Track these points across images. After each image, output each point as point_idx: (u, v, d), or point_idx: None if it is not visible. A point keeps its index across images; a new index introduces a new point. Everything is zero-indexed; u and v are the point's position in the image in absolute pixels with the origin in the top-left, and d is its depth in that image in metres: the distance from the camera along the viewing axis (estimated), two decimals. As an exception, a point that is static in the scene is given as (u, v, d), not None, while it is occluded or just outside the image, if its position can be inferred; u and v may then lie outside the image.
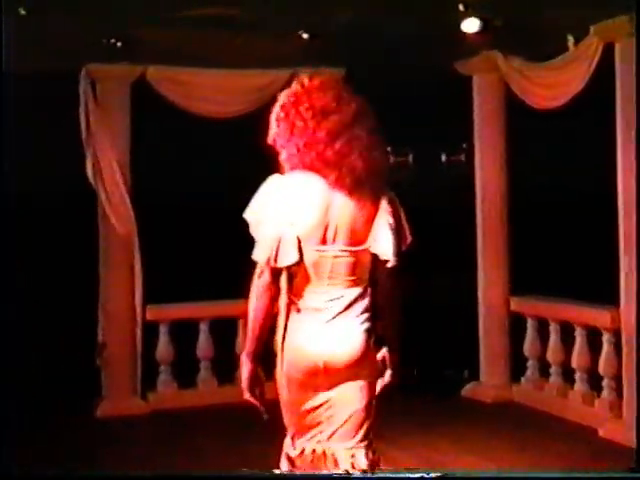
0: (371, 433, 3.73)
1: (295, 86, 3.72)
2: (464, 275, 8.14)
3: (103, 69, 7.58)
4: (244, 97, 7.93)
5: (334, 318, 3.60)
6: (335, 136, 3.57)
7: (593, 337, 7.04)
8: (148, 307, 7.69)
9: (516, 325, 7.83)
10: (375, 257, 3.67)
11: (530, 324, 7.72)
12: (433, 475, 3.67)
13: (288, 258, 3.56)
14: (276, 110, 3.69)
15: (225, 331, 7.69)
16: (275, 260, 3.55)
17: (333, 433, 3.66)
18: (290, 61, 8.08)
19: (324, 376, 3.60)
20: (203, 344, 7.81)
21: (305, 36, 8.04)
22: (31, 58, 7.20)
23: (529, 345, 7.72)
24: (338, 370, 3.60)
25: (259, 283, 3.59)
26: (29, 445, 6.56)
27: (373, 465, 3.69)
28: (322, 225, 3.57)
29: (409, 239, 3.81)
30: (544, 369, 7.61)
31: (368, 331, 3.69)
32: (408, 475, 4.56)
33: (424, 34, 7.69)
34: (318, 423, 3.65)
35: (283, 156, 3.64)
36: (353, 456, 3.67)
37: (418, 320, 8.41)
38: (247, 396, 3.64)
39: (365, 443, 3.70)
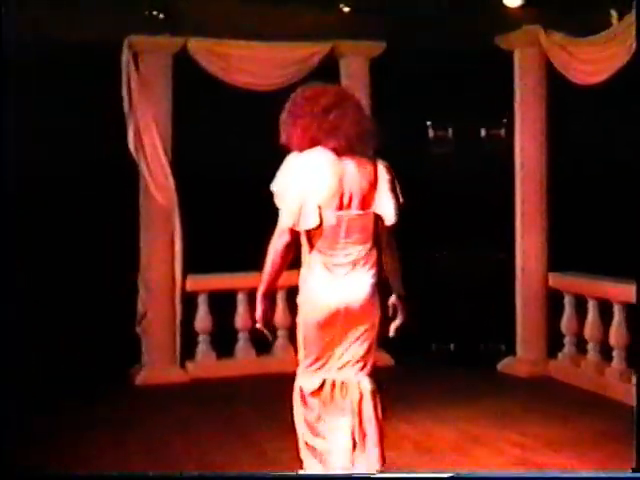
0: (373, 365, 4.50)
1: (292, 96, 4.51)
2: (503, 251, 8.14)
3: (146, 41, 7.64)
4: (284, 70, 7.95)
5: (350, 271, 4.32)
6: (328, 111, 4.31)
7: (631, 314, 7.01)
8: (188, 277, 7.78)
9: (554, 301, 7.82)
10: (378, 218, 4.38)
11: (568, 300, 7.70)
12: (440, 475, 4.36)
13: (309, 222, 4.25)
14: (280, 119, 4.47)
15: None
16: (298, 224, 4.24)
17: (345, 364, 4.38)
18: (330, 34, 8.10)
19: (343, 318, 4.31)
20: (242, 315, 7.89)
21: (346, 9, 8.05)
22: (76, 29, 7.31)
23: (566, 321, 7.71)
24: (354, 313, 4.32)
25: (279, 242, 4.27)
26: (71, 411, 6.70)
27: (374, 392, 4.42)
28: (338, 193, 4.29)
29: (402, 201, 4.54)
30: (581, 345, 7.60)
31: (375, 281, 4.38)
32: (410, 475, 4.61)
33: (466, 8, 7.67)
34: (333, 356, 4.37)
35: (294, 142, 4.37)
36: (360, 382, 4.39)
37: (456, 295, 8.47)
38: (259, 326, 4.41)
39: (369, 372, 4.44)
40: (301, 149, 4.36)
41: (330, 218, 4.28)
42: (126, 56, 7.56)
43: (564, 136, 7.92)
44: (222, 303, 7.79)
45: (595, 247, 8.03)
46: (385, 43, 8.14)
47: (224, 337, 7.86)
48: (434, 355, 8.42)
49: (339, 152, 4.31)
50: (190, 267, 7.77)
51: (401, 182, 8.38)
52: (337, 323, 4.32)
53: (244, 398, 7.06)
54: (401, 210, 4.49)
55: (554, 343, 7.83)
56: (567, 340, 7.73)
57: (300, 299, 4.43)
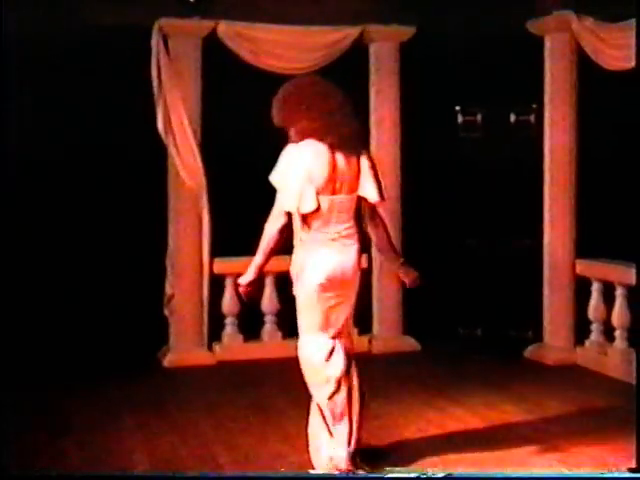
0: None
1: (294, 80, 5.12)
2: (531, 236, 8.12)
3: (175, 24, 7.66)
4: (313, 54, 7.96)
5: (340, 245, 4.95)
6: (334, 113, 4.90)
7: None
8: (215, 260, 7.82)
9: (581, 288, 7.80)
10: (361, 199, 5.00)
11: (595, 287, 7.67)
12: (437, 475, 4.44)
13: (309, 206, 4.85)
14: (280, 99, 4.98)
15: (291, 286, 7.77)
16: (300, 207, 4.84)
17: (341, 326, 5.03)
18: (360, 18, 8.08)
19: (340, 279, 4.93)
20: (268, 298, 7.91)
21: (376, -6, 8.04)
22: (107, 13, 7.34)
23: (594, 308, 7.68)
24: (347, 276, 4.96)
25: (276, 223, 4.90)
26: (99, 393, 6.77)
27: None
28: (332, 180, 4.90)
29: (382, 182, 5.08)
30: (608, 333, 7.58)
31: (359, 252, 5.02)
32: (409, 475, 4.63)
33: (497, -8, 7.64)
34: (331, 317, 4.97)
35: (294, 130, 4.89)
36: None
37: (483, 281, 8.46)
38: (241, 289, 5.04)
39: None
40: (300, 139, 4.90)
41: (325, 202, 4.88)
42: (156, 39, 7.58)
43: (594, 122, 7.88)
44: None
45: (623, 234, 7.99)
46: (415, 28, 8.12)
47: (251, 320, 7.89)
48: (461, 341, 8.43)
49: (333, 147, 4.89)
50: (218, 250, 7.81)
51: (430, 167, 8.45)
52: (335, 284, 4.91)
53: (271, 381, 7.08)
54: (382, 190, 5.06)
55: (581, 330, 7.81)
56: (594, 327, 7.70)
57: (297, 271, 4.99)
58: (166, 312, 7.84)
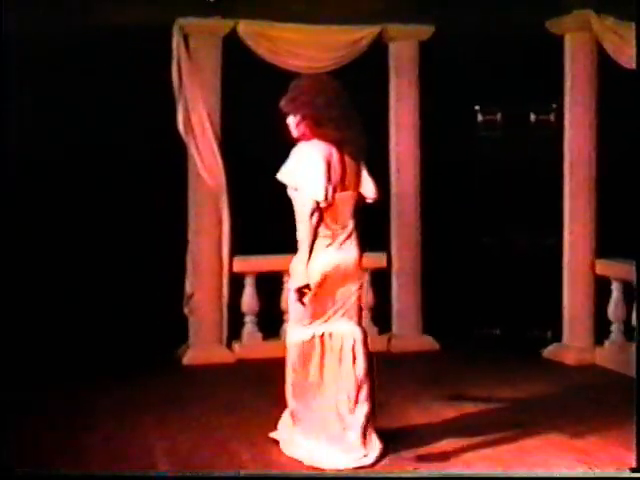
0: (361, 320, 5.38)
1: (315, 76, 5.60)
2: (550, 236, 8.10)
3: (196, 23, 7.68)
4: (333, 53, 7.96)
5: (345, 239, 5.19)
6: (344, 113, 5.16)
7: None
8: (235, 258, 7.84)
9: (601, 288, 7.78)
10: (361, 196, 5.30)
11: (615, 287, 7.65)
12: (433, 475, 4.68)
13: (328, 200, 5.06)
14: (302, 88, 5.22)
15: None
16: (326, 199, 5.03)
17: (343, 315, 5.21)
18: (380, 17, 8.08)
19: (342, 273, 5.16)
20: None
21: (396, -8, 8.03)
22: (127, 12, 7.36)
23: (614, 308, 7.66)
24: (349, 270, 5.18)
25: (315, 216, 5.05)
26: (118, 390, 6.80)
27: (365, 339, 5.26)
28: (343, 179, 5.14)
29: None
30: (628, 333, 7.55)
31: (360, 246, 5.26)
32: (409, 475, 4.63)
33: (517, -9, 7.62)
34: (332, 309, 5.19)
35: (305, 125, 5.15)
36: (353, 331, 5.22)
37: (502, 280, 8.45)
38: (306, 292, 5.08)
39: (359, 322, 5.31)
40: (310, 138, 5.13)
41: (337, 197, 5.11)
42: (176, 39, 7.60)
43: (614, 122, 7.86)
44: (269, 284, 7.84)
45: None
46: (434, 26, 8.11)
47: (270, 318, 7.91)
48: (480, 340, 8.42)
49: (343, 147, 5.16)
50: (237, 248, 7.83)
51: (449, 166, 8.44)
52: (336, 277, 5.14)
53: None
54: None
55: (601, 330, 7.79)
56: (614, 327, 7.68)
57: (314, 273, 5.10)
58: (186, 310, 7.87)
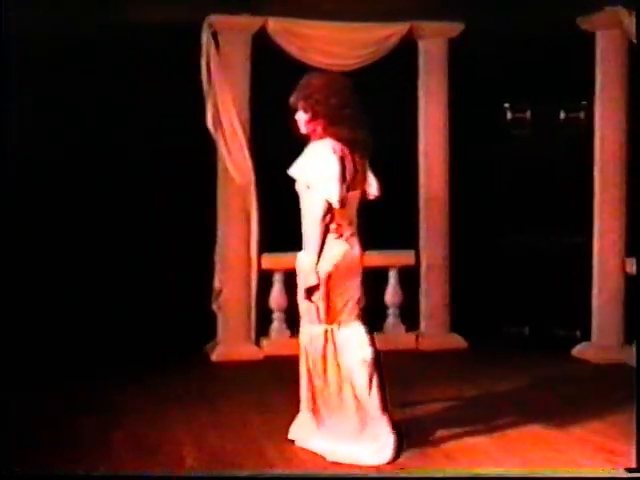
0: None
1: (331, 74, 5.65)
2: (580, 235, 8.06)
3: (225, 20, 7.70)
4: (362, 50, 7.97)
5: (350, 235, 5.25)
6: (356, 113, 5.19)
7: None
8: (263, 256, 7.86)
9: (630, 286, 7.73)
10: (364, 194, 5.38)
11: (645, 285, 7.61)
12: (433, 475, 4.61)
13: (342, 200, 5.11)
14: (318, 86, 5.20)
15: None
16: (339, 200, 5.08)
17: (350, 311, 5.25)
18: (409, 15, 8.06)
19: (348, 268, 5.20)
20: (315, 294, 7.93)
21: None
22: (156, 10, 7.38)
23: (643, 307, 7.62)
24: (355, 265, 5.25)
25: (326, 218, 5.11)
26: (147, 386, 6.84)
27: (370, 333, 5.32)
28: (354, 178, 5.20)
29: None
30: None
31: (361, 243, 5.34)
32: (408, 475, 4.62)
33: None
34: (341, 304, 5.22)
35: (317, 123, 5.17)
36: (355, 326, 5.26)
37: (531, 279, 8.42)
38: (312, 287, 5.16)
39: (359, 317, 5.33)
40: (321, 136, 5.16)
41: (349, 196, 5.18)
42: (206, 36, 7.63)
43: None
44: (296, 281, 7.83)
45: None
46: (464, 24, 8.09)
47: (298, 315, 7.90)
48: (508, 339, 8.40)
49: (354, 146, 5.20)
50: (266, 245, 7.85)
51: (478, 164, 8.42)
52: (345, 269, 5.18)
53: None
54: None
55: (630, 329, 7.74)
56: (644, 326, 7.64)
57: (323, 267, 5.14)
58: (214, 307, 7.91)
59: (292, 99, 5.27)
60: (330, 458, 5.13)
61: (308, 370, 5.33)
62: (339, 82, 5.29)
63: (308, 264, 5.15)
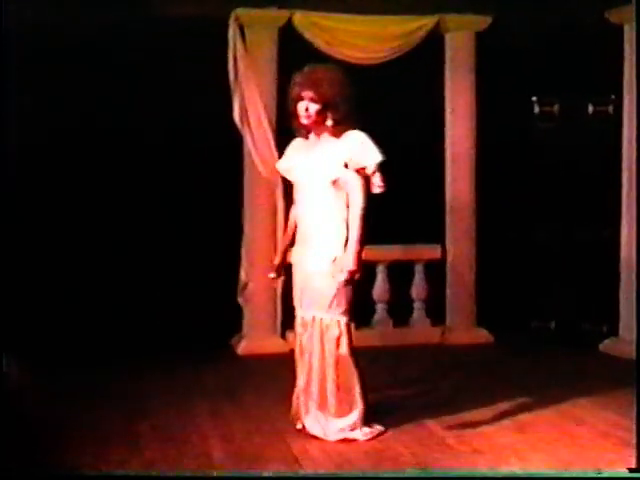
0: None
1: (338, 68, 5.44)
2: (607, 228, 8.02)
3: (252, 14, 7.71)
4: (389, 43, 7.96)
5: None
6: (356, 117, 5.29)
7: None
8: (290, 249, 7.85)
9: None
10: None
11: (674, 280, 7.55)
12: (433, 475, 4.66)
13: None
14: (338, 81, 5.24)
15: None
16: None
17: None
18: (436, 8, 8.04)
19: None
20: (341, 288, 7.93)
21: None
22: (184, 3, 7.41)
23: (672, 302, 7.56)
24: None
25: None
26: (173, 378, 6.87)
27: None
28: None
29: None
30: (686, 327, 7.44)
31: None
32: (410, 475, 4.60)
33: (576, -19, 7.53)
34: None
35: (338, 116, 5.21)
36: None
37: (559, 273, 8.38)
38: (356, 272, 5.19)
39: None
40: (327, 128, 5.25)
41: None
42: (232, 29, 7.64)
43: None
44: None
45: None
46: (491, 17, 8.05)
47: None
48: (534, 333, 8.37)
49: None
50: (292, 239, 7.84)
51: (506, 157, 8.37)
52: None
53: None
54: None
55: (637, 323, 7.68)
56: (672, 321, 7.58)
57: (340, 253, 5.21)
58: (240, 300, 7.93)
59: (300, 89, 5.25)
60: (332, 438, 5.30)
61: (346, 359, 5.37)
62: (343, 75, 5.31)
63: (353, 251, 5.15)
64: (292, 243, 5.63)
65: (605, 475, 4.71)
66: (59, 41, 7.37)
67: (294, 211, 5.59)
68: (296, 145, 5.54)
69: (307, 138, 5.44)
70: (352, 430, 5.33)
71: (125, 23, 7.48)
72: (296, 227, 5.53)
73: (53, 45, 7.42)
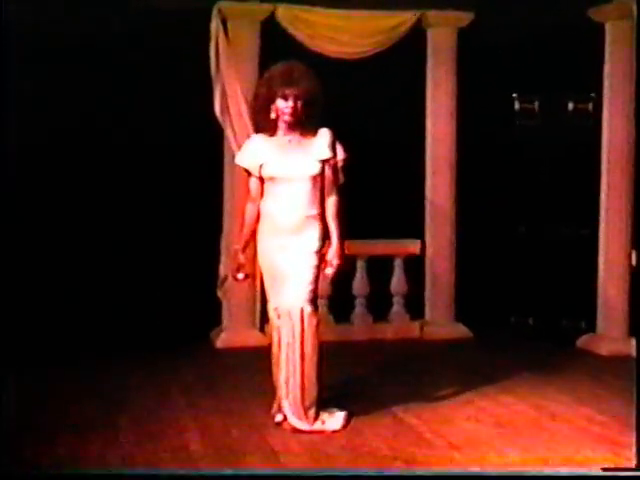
0: None
1: (310, 70, 5.41)
2: (586, 226, 8.06)
3: (234, 7, 7.69)
4: (371, 38, 7.96)
5: None
6: None
7: None
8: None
9: (637, 279, 7.72)
10: None
11: (650, 278, 7.61)
12: (433, 475, 4.66)
13: None
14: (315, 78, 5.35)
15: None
16: None
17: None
18: (418, 4, 8.04)
19: None
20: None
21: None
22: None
23: (649, 299, 7.62)
24: None
25: None
26: (152, 370, 6.86)
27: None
28: None
29: None
30: (664, 324, 7.50)
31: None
32: (411, 474, 4.62)
33: (557, -22, 7.55)
34: None
35: (314, 113, 5.36)
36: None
37: (537, 269, 8.42)
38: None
39: None
40: (304, 125, 5.39)
41: None
42: (215, 22, 7.62)
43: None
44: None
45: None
46: (473, 13, 8.07)
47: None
48: (513, 329, 8.41)
49: None
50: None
51: (486, 154, 8.40)
52: None
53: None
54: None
55: (635, 321, 7.74)
56: (649, 318, 7.63)
57: (320, 248, 5.43)
58: (219, 293, 7.91)
59: (284, 87, 5.28)
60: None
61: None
62: (312, 71, 5.41)
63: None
64: (252, 238, 5.62)
65: (605, 475, 4.73)
66: (59, 41, 7.35)
67: (252, 207, 5.60)
68: (262, 141, 5.50)
69: (273, 135, 5.44)
70: (329, 416, 5.46)
71: (109, 18, 7.44)
72: (257, 223, 5.56)
73: (53, 45, 7.39)
